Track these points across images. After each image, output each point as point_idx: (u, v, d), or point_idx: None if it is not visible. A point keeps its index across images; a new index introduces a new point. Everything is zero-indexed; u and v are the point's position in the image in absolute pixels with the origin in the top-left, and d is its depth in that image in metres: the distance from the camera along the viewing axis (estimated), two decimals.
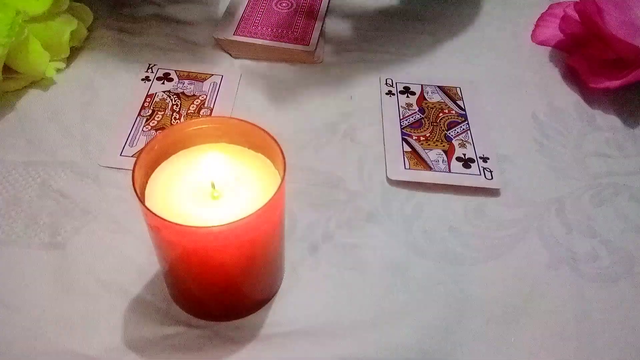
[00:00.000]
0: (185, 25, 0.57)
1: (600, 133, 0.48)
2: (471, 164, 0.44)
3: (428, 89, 0.51)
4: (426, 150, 0.45)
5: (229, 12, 0.57)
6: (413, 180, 0.43)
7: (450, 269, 0.39)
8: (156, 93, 0.49)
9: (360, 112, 0.49)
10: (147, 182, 0.31)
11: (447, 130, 0.47)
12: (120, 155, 0.44)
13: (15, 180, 0.42)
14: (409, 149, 0.45)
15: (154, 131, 0.46)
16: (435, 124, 0.48)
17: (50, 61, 0.49)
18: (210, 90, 0.50)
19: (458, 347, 0.35)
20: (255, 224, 0.29)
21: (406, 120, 0.48)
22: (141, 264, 0.37)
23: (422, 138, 0.46)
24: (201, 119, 0.43)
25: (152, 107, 0.48)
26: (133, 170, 0.29)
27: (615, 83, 0.49)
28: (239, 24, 0.55)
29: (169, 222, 0.28)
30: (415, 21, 0.59)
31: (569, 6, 0.55)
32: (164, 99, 0.49)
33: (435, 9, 0.61)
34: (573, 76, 0.53)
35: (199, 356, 0.34)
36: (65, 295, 0.36)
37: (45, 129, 0.46)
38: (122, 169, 0.43)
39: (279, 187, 0.29)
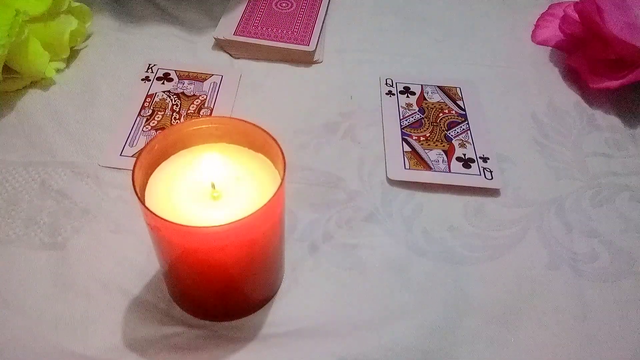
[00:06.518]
0: (185, 25, 0.57)
1: (600, 133, 0.48)
2: (471, 164, 0.44)
3: (428, 89, 0.51)
4: (426, 150, 0.45)
5: (229, 12, 0.57)
6: (413, 180, 0.43)
7: (450, 269, 0.39)
8: (156, 93, 0.49)
9: (360, 112, 0.49)
10: (147, 182, 0.31)
11: (447, 130, 0.47)
12: (120, 155, 0.44)
13: (15, 180, 0.42)
14: (409, 149, 0.45)
15: (154, 131, 0.46)
16: (435, 124, 0.48)
17: (50, 61, 0.49)
18: (210, 90, 0.50)
19: (458, 347, 0.35)
20: (255, 224, 0.29)
21: (406, 120, 0.48)
22: (141, 264, 0.37)
23: (422, 138, 0.46)
24: (201, 119, 0.43)
25: (152, 107, 0.48)
26: (133, 170, 0.29)
27: (615, 83, 0.49)
28: (239, 24, 0.55)
29: (169, 222, 0.28)
30: (415, 21, 0.59)
31: (569, 6, 0.55)
32: (164, 99, 0.49)
33: (435, 9, 0.61)
34: (573, 76, 0.53)
35: (199, 356, 0.34)
36: (65, 296, 0.36)
37: (45, 129, 0.46)
38: (122, 169, 0.43)
39: (279, 187, 0.29)
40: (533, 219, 0.42)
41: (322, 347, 0.34)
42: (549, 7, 0.59)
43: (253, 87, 0.51)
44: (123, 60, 0.53)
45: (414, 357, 0.34)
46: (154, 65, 0.52)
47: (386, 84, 0.51)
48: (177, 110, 0.48)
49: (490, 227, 0.41)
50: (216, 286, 0.33)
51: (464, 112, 0.49)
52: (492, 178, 0.44)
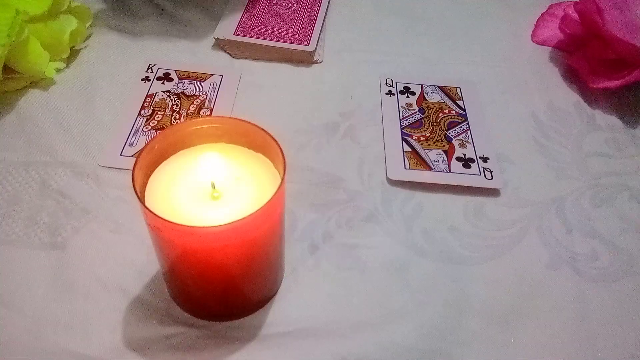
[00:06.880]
0: (185, 25, 0.57)
1: (600, 133, 0.48)
2: (471, 164, 0.44)
3: (428, 89, 0.51)
4: (426, 150, 0.45)
5: (229, 12, 0.57)
6: (413, 180, 0.43)
7: (450, 269, 0.39)
8: (156, 93, 0.49)
9: (360, 112, 0.49)
10: (147, 182, 0.31)
11: (447, 130, 0.47)
12: (120, 155, 0.44)
13: (15, 180, 0.42)
14: (409, 149, 0.45)
15: (154, 131, 0.46)
16: (435, 124, 0.48)
17: (50, 61, 0.49)
18: (210, 90, 0.50)
19: (458, 347, 0.35)
20: (255, 224, 0.29)
21: (406, 120, 0.48)
22: (141, 264, 0.37)
23: (422, 138, 0.46)
24: (201, 119, 0.43)
25: (152, 107, 0.48)
26: (133, 170, 0.29)
27: (615, 83, 0.49)
28: (239, 24, 0.55)
29: (169, 222, 0.28)
30: (415, 21, 0.59)
31: (569, 6, 0.55)
32: (164, 99, 0.49)
33: (435, 9, 0.61)
34: (573, 76, 0.53)
35: (199, 356, 0.34)
36: (65, 295, 0.36)
37: (45, 129, 0.46)
38: (122, 169, 0.43)
39: (279, 187, 0.29)
40: (533, 219, 0.42)
41: (322, 347, 0.34)
42: (549, 7, 0.59)
43: (253, 87, 0.51)
44: (123, 60, 0.52)
45: (414, 357, 0.34)
46: (154, 65, 0.52)
47: (386, 84, 0.51)
48: (177, 110, 0.48)
49: (490, 227, 0.41)
50: (216, 286, 0.33)
51: (464, 112, 0.49)
52: (492, 178, 0.44)
